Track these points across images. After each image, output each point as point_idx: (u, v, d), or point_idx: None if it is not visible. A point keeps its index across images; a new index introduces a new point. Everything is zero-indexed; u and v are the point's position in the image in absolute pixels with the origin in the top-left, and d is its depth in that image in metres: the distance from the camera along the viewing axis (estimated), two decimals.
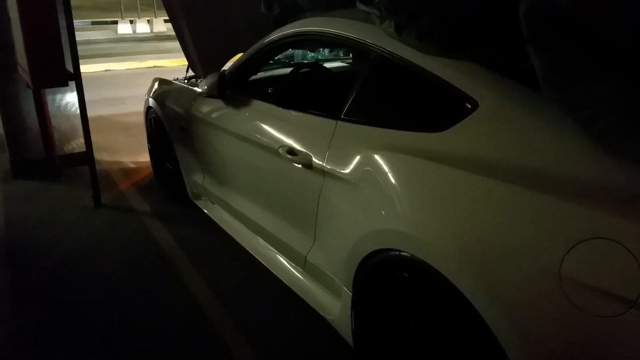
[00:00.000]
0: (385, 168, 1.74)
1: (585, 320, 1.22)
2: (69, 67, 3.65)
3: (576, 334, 1.24)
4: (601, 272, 1.21)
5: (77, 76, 3.59)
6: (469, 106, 1.62)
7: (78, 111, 3.77)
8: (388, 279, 1.75)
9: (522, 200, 1.37)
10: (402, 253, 1.64)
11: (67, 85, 3.85)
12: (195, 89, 3.29)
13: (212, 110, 3.00)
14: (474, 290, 1.41)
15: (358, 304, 1.91)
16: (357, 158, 1.87)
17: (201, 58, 3.58)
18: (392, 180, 1.70)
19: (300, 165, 2.16)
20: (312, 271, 2.25)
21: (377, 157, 1.78)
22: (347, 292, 1.95)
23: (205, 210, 3.33)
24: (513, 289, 1.34)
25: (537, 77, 1.42)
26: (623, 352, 1.18)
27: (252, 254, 2.73)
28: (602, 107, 1.30)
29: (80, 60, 3.59)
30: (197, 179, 3.38)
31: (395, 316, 1.77)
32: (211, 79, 2.93)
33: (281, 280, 2.47)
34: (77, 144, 4.70)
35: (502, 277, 1.36)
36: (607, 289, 1.19)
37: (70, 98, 4.61)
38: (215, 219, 3.17)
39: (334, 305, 2.10)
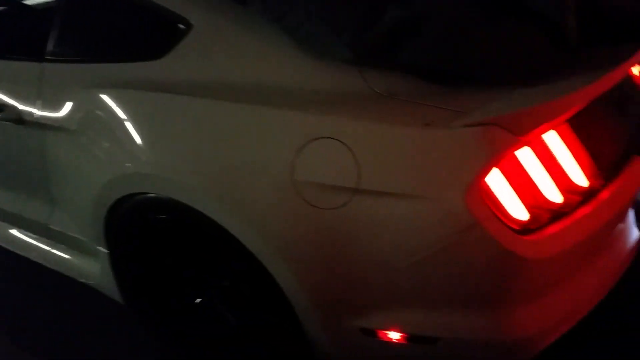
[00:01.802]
0: (106, 107, 1.56)
1: (323, 215, 1.31)
2: None
3: (317, 229, 1.33)
4: (327, 169, 1.30)
5: None
6: (184, 27, 1.52)
7: None
8: (142, 226, 1.65)
9: (247, 116, 1.37)
10: (147, 195, 1.54)
11: None
12: None
13: None
14: (221, 213, 1.41)
15: (117, 260, 1.77)
16: (74, 101, 1.65)
17: None
18: (116, 119, 1.54)
19: (9, 123, 1.82)
20: (60, 239, 1.99)
21: (95, 96, 1.59)
22: (103, 251, 1.79)
23: None
24: (255, 204, 1.37)
25: None
26: (355, 233, 1.30)
27: None
28: (303, 13, 1.35)
29: None
30: None
31: (158, 260, 1.69)
32: None
33: (32, 260, 2.14)
34: None
35: (243, 195, 1.37)
36: (334, 183, 1.30)
37: None
38: None
39: (93, 268, 1.92)
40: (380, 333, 1.39)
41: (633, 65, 1.44)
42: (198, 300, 1.69)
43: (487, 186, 1.23)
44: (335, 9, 1.32)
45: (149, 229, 1.63)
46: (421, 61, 1.28)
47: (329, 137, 1.29)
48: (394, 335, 1.38)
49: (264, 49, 1.43)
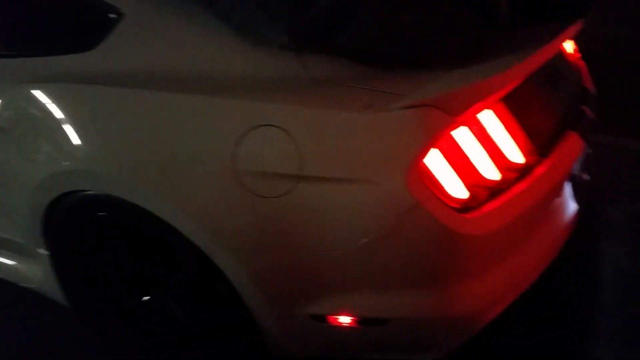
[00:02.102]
0: (38, 103, 1.49)
1: (267, 204, 1.29)
2: None
3: (263, 218, 1.32)
4: (269, 157, 1.28)
5: None
6: (114, 17, 1.47)
7: None
8: (81, 224, 1.59)
9: (185, 107, 1.34)
10: (85, 192, 1.48)
11: None
12: None
13: None
14: (163, 207, 1.37)
15: (58, 261, 1.70)
16: (3, 98, 1.57)
17: None
18: (48, 115, 1.47)
19: None
20: None
21: (26, 92, 1.52)
22: (43, 253, 1.72)
23: None
24: (198, 196, 1.34)
25: None
26: (301, 220, 1.29)
27: None
28: None
29: None
30: None
31: (101, 259, 1.64)
32: None
33: None
34: None
35: (185, 188, 1.34)
36: (277, 171, 1.28)
37: None
38: None
39: (34, 271, 1.84)
40: (331, 318, 1.40)
41: (562, 42, 1.48)
42: (146, 298, 1.65)
43: (427, 167, 1.24)
44: None
45: (89, 227, 1.58)
46: (358, 45, 1.28)
47: (270, 125, 1.27)
48: (345, 320, 1.39)
49: (198, 36, 1.39)
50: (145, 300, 1.65)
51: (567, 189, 1.57)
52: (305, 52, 1.32)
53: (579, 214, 1.64)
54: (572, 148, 1.50)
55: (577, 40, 1.87)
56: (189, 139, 1.33)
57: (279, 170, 1.28)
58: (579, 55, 1.84)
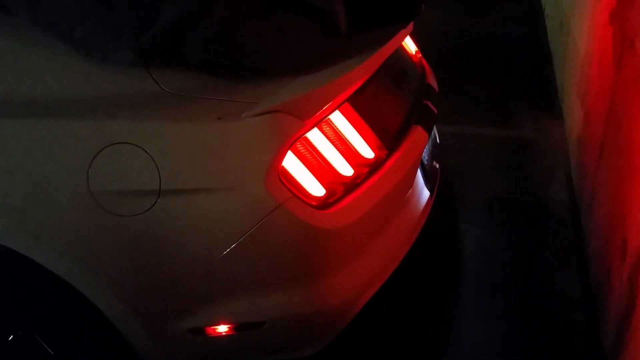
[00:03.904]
0: None
1: (129, 223, 1.28)
2: None
3: (126, 238, 1.30)
4: (125, 175, 1.27)
5: None
6: None
7: None
8: None
9: (33, 132, 1.27)
10: None
11: None
12: None
13: None
14: (19, 240, 1.29)
15: None
16: None
17: None
18: None
19: None
20: None
21: None
22: None
23: None
24: (56, 224, 1.29)
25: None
26: (166, 235, 1.29)
27: None
28: (77, 19, 1.29)
29: None
30: None
31: None
32: None
33: None
34: None
35: (40, 217, 1.28)
36: (135, 188, 1.27)
37: None
38: None
39: None
40: (209, 329, 1.41)
41: (397, 43, 1.62)
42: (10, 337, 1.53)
43: (285, 169, 1.30)
44: (110, 12, 1.27)
45: None
46: (203, 57, 1.30)
47: (122, 142, 1.25)
48: (222, 329, 1.40)
49: (40, 59, 1.33)
50: (10, 341, 1.53)
51: (419, 178, 1.72)
52: (154, 68, 1.32)
53: (433, 199, 1.79)
54: (417, 140, 1.64)
55: (419, 40, 2.05)
56: (39, 166, 1.27)
57: (137, 188, 1.27)
58: (420, 55, 2.02)
